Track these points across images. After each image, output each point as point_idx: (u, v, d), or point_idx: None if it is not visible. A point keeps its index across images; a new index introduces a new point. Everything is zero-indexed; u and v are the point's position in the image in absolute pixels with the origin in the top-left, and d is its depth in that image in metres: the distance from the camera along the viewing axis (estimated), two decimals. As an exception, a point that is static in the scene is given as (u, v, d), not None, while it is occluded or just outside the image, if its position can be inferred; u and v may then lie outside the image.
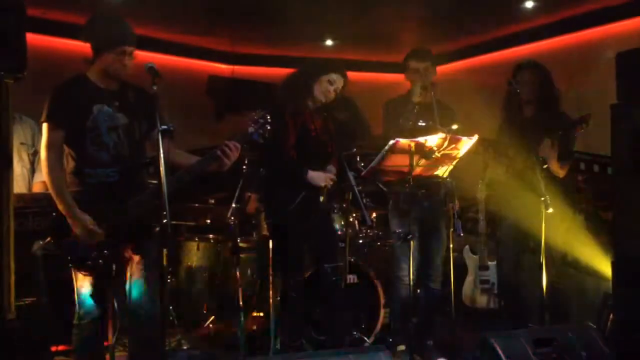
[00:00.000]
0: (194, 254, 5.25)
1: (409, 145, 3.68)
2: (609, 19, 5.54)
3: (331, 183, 4.06)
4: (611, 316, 4.45)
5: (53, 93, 3.26)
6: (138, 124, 3.40)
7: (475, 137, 3.81)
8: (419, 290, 4.52)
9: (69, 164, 3.31)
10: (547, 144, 4.31)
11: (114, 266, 3.28)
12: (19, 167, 4.26)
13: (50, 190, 3.22)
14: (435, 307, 4.55)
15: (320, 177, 4.01)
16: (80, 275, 3.27)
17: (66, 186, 3.25)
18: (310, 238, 4.14)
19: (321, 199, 4.08)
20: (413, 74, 4.44)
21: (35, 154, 4.39)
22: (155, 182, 3.36)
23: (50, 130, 3.23)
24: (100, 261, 3.18)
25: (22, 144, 4.25)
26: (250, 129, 3.32)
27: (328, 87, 4.04)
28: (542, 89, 4.48)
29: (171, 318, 5.03)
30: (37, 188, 4.40)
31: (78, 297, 3.30)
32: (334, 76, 4.05)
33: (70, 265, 3.23)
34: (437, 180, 4.14)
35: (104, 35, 3.28)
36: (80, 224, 3.16)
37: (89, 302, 3.28)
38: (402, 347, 4.43)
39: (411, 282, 4.23)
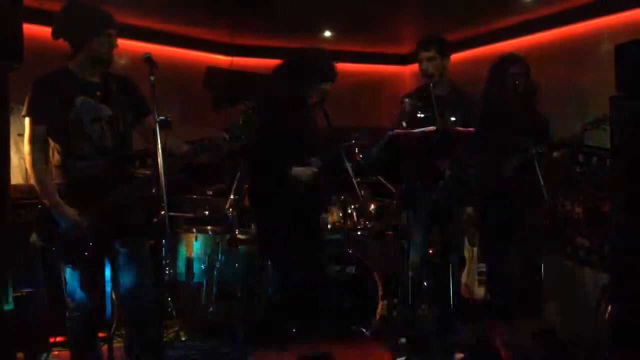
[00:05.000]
0: (192, 245, 5.25)
1: (407, 137, 3.68)
2: (607, 11, 5.53)
3: (314, 177, 4.02)
4: (609, 308, 4.46)
5: (34, 87, 3.24)
6: (122, 115, 3.36)
7: (472, 130, 3.80)
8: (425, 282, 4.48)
9: (54, 157, 3.29)
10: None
11: (101, 258, 3.28)
12: (16, 159, 4.24)
13: (34, 184, 3.22)
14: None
15: (306, 173, 3.99)
16: (67, 268, 3.27)
17: (51, 179, 3.24)
18: (293, 231, 4.13)
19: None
20: (420, 63, 4.31)
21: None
22: (146, 172, 3.36)
23: (32, 124, 3.22)
24: (86, 253, 3.17)
25: (19, 135, 4.22)
26: (241, 122, 3.28)
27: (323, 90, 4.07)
28: (528, 83, 4.45)
29: (169, 310, 5.03)
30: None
31: (68, 290, 3.30)
32: (329, 84, 4.07)
33: (56, 257, 3.23)
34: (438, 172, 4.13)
35: (88, 24, 3.25)
36: (65, 217, 3.15)
37: (79, 294, 3.29)
38: (402, 340, 4.42)
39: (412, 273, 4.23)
